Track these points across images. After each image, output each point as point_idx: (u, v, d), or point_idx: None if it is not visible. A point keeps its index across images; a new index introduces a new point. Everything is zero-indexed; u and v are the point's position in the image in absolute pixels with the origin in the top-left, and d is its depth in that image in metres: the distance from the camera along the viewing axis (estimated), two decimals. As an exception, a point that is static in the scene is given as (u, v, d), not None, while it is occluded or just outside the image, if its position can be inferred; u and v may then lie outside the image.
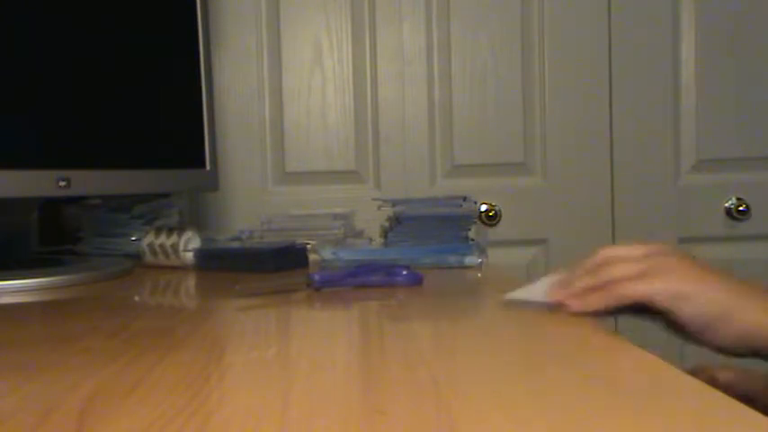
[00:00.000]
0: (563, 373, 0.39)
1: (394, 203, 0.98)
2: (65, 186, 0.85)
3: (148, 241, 0.95)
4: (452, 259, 0.88)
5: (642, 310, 0.56)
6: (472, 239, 0.97)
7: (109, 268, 0.87)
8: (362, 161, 1.37)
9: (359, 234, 1.09)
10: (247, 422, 0.32)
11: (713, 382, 0.67)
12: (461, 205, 0.97)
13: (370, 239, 1.08)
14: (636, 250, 0.57)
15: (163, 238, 0.94)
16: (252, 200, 1.35)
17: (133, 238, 1.04)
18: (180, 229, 0.95)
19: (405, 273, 0.73)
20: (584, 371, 0.40)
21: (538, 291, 0.60)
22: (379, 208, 1.05)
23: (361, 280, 0.72)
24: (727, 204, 1.39)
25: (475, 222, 0.98)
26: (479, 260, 0.87)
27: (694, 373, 0.42)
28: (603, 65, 1.37)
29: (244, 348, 0.48)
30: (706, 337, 0.52)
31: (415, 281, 0.73)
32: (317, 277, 0.71)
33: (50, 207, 1.16)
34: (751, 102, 1.38)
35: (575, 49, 1.37)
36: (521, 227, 1.38)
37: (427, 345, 0.47)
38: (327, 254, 0.92)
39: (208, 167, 1.05)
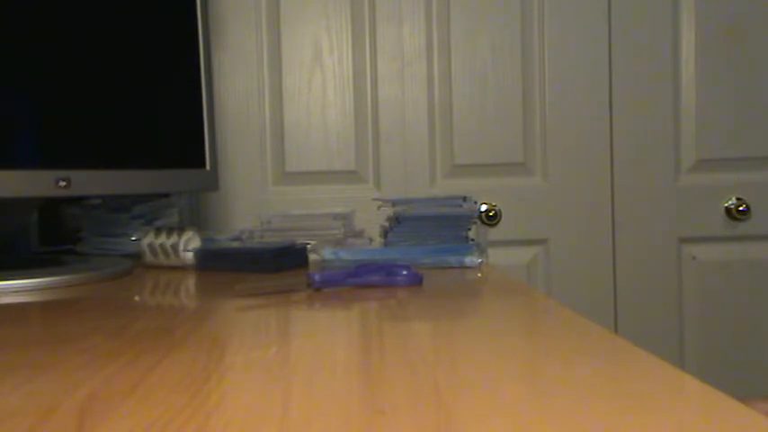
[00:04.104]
0: (564, 373, 0.39)
1: (394, 203, 0.98)
2: (65, 186, 0.85)
3: (148, 241, 0.95)
4: (452, 259, 0.88)
5: None
6: (472, 239, 0.97)
7: (109, 268, 0.87)
8: (362, 161, 1.37)
9: (359, 234, 1.09)
10: (247, 422, 0.32)
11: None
12: (461, 205, 0.97)
13: (370, 239, 1.08)
14: None
15: (163, 238, 0.94)
16: (252, 200, 1.35)
17: (133, 238, 1.04)
18: (180, 229, 0.95)
19: (405, 273, 0.73)
20: (585, 371, 0.40)
21: None
22: (379, 208, 1.05)
23: (361, 280, 0.72)
24: (727, 204, 1.39)
25: (475, 222, 0.98)
26: (479, 260, 0.87)
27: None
28: (603, 65, 1.37)
29: (244, 348, 0.48)
30: None
31: (415, 281, 0.73)
32: (317, 277, 0.71)
33: (50, 207, 1.16)
34: (751, 102, 1.38)
35: (575, 49, 1.37)
36: (521, 227, 1.38)
37: (427, 345, 0.47)
38: (327, 254, 0.92)
39: (208, 167, 1.05)
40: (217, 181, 1.08)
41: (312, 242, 0.97)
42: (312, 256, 0.95)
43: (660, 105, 1.38)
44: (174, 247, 0.93)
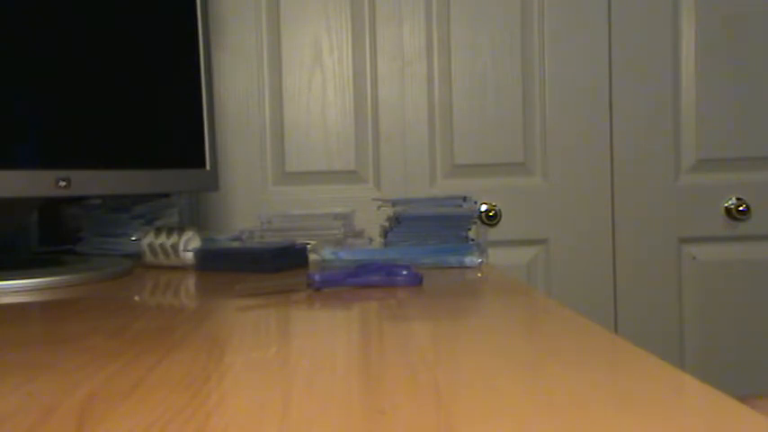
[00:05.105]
0: (564, 373, 0.39)
1: (394, 203, 0.98)
2: (65, 186, 0.85)
3: (148, 241, 0.95)
4: (452, 259, 0.88)
5: None
6: (472, 239, 0.97)
7: (109, 268, 0.87)
8: (362, 161, 1.37)
9: (359, 234, 1.09)
10: (247, 422, 0.32)
11: None
12: (461, 205, 0.97)
13: (370, 239, 1.08)
14: None
15: (163, 238, 0.94)
16: (252, 200, 1.35)
17: (133, 238, 1.04)
18: (180, 229, 0.95)
19: (405, 273, 0.73)
20: (585, 371, 0.40)
21: None
22: (379, 208, 1.05)
23: (361, 280, 0.72)
24: (727, 204, 1.39)
25: (475, 222, 0.98)
26: (479, 260, 0.87)
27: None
28: (603, 65, 1.37)
29: (244, 348, 0.48)
30: None
31: (415, 281, 0.73)
32: (317, 277, 0.71)
33: (50, 207, 1.16)
34: (751, 102, 1.38)
35: (575, 50, 1.37)
36: (521, 227, 1.38)
37: (427, 345, 0.47)
38: (327, 254, 0.92)
39: (208, 167, 1.05)
40: (217, 181, 1.08)
41: (312, 242, 0.97)
42: (312, 256, 0.95)
43: (660, 105, 1.38)
44: (174, 247, 0.93)
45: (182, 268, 0.93)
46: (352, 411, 0.33)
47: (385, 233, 0.98)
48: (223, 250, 0.93)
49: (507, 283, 0.75)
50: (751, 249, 1.40)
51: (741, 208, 1.38)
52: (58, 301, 0.71)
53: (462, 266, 0.87)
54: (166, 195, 1.12)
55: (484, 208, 1.36)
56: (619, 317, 1.39)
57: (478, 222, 1.35)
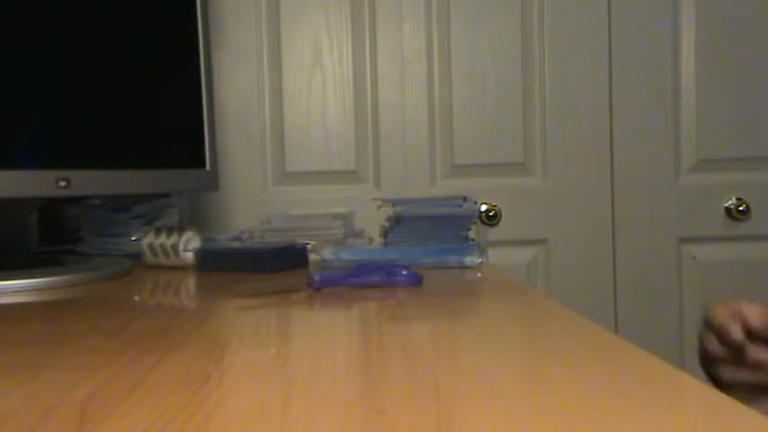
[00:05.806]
0: (563, 373, 0.39)
1: (394, 203, 0.98)
2: (65, 186, 0.85)
3: (148, 241, 0.95)
4: (452, 259, 0.88)
5: None
6: (472, 239, 0.97)
7: (109, 268, 0.87)
8: (362, 161, 1.37)
9: (359, 234, 1.09)
10: (247, 422, 0.32)
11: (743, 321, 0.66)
12: (461, 205, 0.97)
13: (370, 239, 1.08)
14: None
15: (163, 238, 0.94)
16: (252, 200, 1.35)
17: (133, 238, 1.04)
18: (180, 229, 0.95)
19: (405, 273, 0.73)
20: (585, 371, 0.40)
21: None
22: (379, 208, 1.05)
23: (361, 280, 0.72)
24: (727, 204, 1.39)
25: (475, 222, 0.98)
26: (479, 260, 0.87)
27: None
28: (603, 65, 1.37)
29: (244, 348, 0.48)
30: None
31: (415, 281, 0.73)
32: (317, 277, 0.71)
33: (50, 207, 1.16)
34: (751, 102, 1.38)
35: (574, 49, 1.37)
36: (521, 227, 1.38)
37: (427, 345, 0.47)
38: (327, 254, 0.92)
39: (208, 167, 1.05)
40: (217, 181, 1.08)
41: (312, 242, 0.97)
42: (312, 256, 0.95)
43: (660, 105, 1.38)
44: (174, 247, 0.93)
45: (182, 268, 0.93)
46: (352, 411, 0.33)
47: (385, 233, 0.98)
48: (223, 250, 0.93)
49: (507, 283, 0.75)
50: (751, 249, 1.40)
51: (741, 208, 1.38)
52: (58, 301, 0.71)
53: (462, 266, 0.87)
54: (166, 195, 1.12)
55: (484, 208, 1.36)
56: (619, 317, 1.39)
57: (478, 222, 1.35)
